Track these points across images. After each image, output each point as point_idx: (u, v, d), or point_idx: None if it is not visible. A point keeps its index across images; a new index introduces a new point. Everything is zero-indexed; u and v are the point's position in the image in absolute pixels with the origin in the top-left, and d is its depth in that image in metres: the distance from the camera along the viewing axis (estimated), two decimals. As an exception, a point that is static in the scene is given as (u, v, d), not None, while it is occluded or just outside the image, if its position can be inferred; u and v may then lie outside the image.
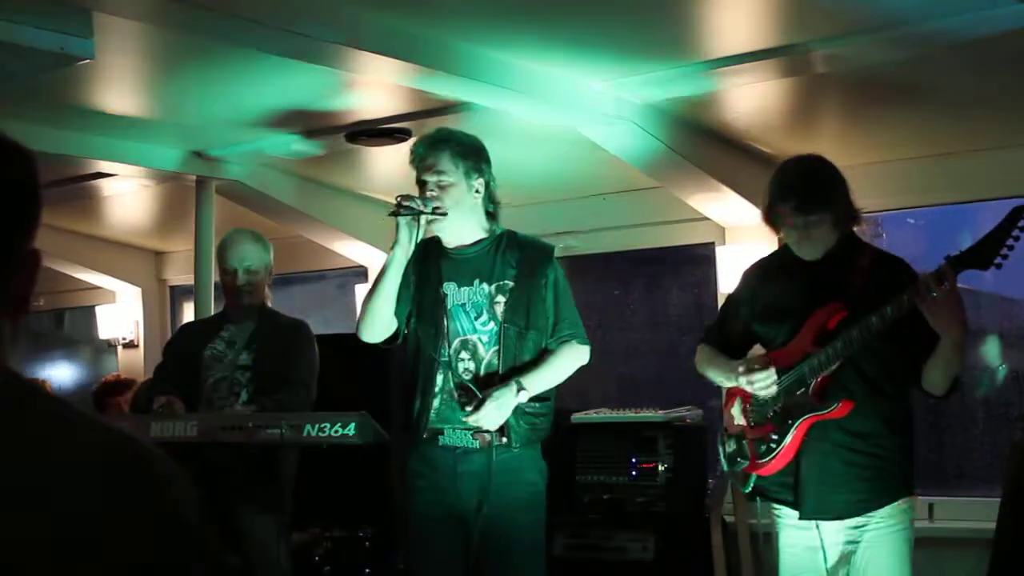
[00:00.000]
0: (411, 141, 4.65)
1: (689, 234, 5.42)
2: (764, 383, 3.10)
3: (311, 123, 4.67)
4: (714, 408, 5.32)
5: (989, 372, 4.79)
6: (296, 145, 4.91)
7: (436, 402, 3.28)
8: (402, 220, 3.22)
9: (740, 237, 5.09)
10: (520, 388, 3.20)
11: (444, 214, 3.24)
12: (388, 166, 5.40)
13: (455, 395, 3.26)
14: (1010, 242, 2.77)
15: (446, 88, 3.93)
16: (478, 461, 3.25)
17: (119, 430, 1.04)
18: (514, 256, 3.33)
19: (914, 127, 4.46)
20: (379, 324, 3.32)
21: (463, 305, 3.30)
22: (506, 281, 3.29)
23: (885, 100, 4.22)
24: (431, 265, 3.37)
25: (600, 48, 3.77)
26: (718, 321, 3.49)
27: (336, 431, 3.47)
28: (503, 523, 3.23)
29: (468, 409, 3.21)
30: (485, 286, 3.30)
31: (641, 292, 6.06)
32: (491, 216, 3.37)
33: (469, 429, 3.24)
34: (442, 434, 3.28)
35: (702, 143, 4.60)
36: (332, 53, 3.50)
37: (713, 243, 5.26)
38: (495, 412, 3.18)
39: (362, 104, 4.41)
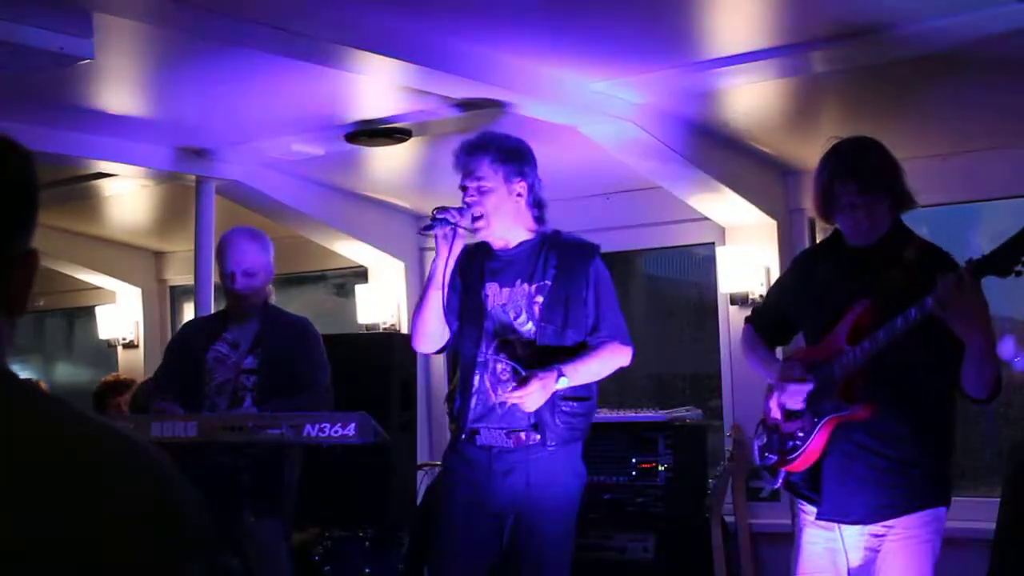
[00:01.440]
0: (411, 140, 4.69)
1: (689, 234, 5.43)
2: (793, 398, 3.07)
3: (311, 123, 4.67)
4: (714, 408, 5.33)
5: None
6: (296, 145, 4.91)
7: (473, 401, 3.30)
8: (438, 232, 3.23)
9: (740, 237, 5.09)
10: (560, 375, 3.19)
11: (479, 218, 3.25)
12: (388, 166, 5.40)
13: (499, 373, 3.27)
14: None
15: (446, 88, 3.93)
16: (513, 460, 3.26)
17: (119, 430, 1.04)
18: (555, 255, 3.33)
19: (914, 127, 4.46)
20: (431, 335, 3.36)
21: (504, 305, 3.32)
22: (546, 281, 3.30)
23: (885, 100, 4.22)
24: (476, 267, 3.39)
25: (600, 48, 3.77)
26: (763, 305, 3.47)
27: (336, 431, 3.47)
28: (534, 523, 3.25)
29: (514, 386, 3.19)
30: (526, 286, 3.31)
31: (641, 292, 6.06)
32: (537, 217, 3.37)
33: (503, 429, 3.26)
34: (479, 434, 3.30)
35: (702, 143, 4.60)
36: (332, 53, 3.50)
37: (713, 243, 5.27)
38: (539, 392, 3.16)
39: (362, 104, 4.41)
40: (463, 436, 3.32)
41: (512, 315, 3.31)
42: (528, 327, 3.28)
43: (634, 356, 3.43)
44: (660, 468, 4.77)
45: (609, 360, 3.34)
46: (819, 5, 3.40)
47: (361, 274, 6.41)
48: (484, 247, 3.40)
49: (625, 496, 4.80)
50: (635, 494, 4.79)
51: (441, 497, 3.45)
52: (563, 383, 3.20)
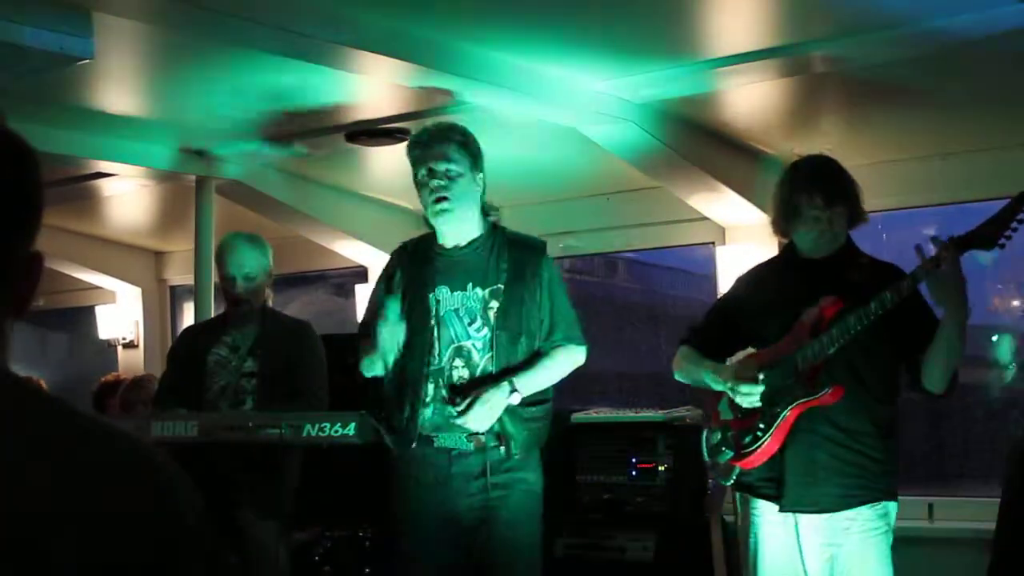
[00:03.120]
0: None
1: (689, 234, 5.42)
2: (748, 398, 3.10)
3: (311, 123, 4.67)
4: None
5: (999, 370, 4.79)
6: (296, 145, 4.91)
7: (428, 411, 3.22)
8: (382, 327, 3.18)
9: (740, 237, 5.09)
10: (513, 389, 3.15)
11: (445, 200, 3.20)
12: (388, 166, 5.40)
13: (445, 399, 3.20)
14: (1014, 225, 2.79)
15: (446, 88, 3.92)
16: (473, 463, 3.20)
17: (119, 430, 1.04)
18: (506, 256, 3.26)
19: (914, 127, 4.46)
20: (379, 366, 3.30)
21: (456, 310, 3.23)
22: (499, 285, 3.22)
23: (885, 100, 4.22)
24: (423, 269, 3.31)
25: (600, 48, 3.77)
26: (704, 323, 3.46)
27: (336, 431, 3.47)
28: (500, 528, 3.20)
29: (458, 411, 3.14)
30: (479, 290, 3.23)
31: (641, 292, 6.07)
32: (485, 214, 3.33)
33: (464, 431, 3.20)
34: (436, 438, 3.23)
35: (702, 143, 4.60)
36: (332, 53, 3.50)
37: (713, 243, 5.27)
38: (485, 413, 3.13)
39: (362, 104, 4.41)
40: (419, 438, 3.23)
41: (467, 321, 3.23)
42: (484, 333, 3.21)
43: (588, 354, 3.37)
44: (660, 468, 4.77)
45: (563, 364, 3.30)
46: (819, 5, 3.40)
47: (361, 274, 6.41)
48: (431, 248, 3.33)
49: (625, 496, 4.80)
50: (635, 494, 4.79)
51: (399, 503, 3.36)
52: (516, 398, 3.16)
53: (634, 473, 4.80)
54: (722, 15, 3.62)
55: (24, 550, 0.93)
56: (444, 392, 3.21)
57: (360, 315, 6.16)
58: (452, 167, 3.20)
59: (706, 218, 5.12)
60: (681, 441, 4.81)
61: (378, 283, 3.47)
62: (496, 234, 3.32)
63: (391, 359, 3.21)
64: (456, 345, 3.22)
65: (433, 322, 3.23)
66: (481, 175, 3.28)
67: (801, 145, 4.58)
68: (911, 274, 2.87)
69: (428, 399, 3.23)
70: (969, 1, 3.30)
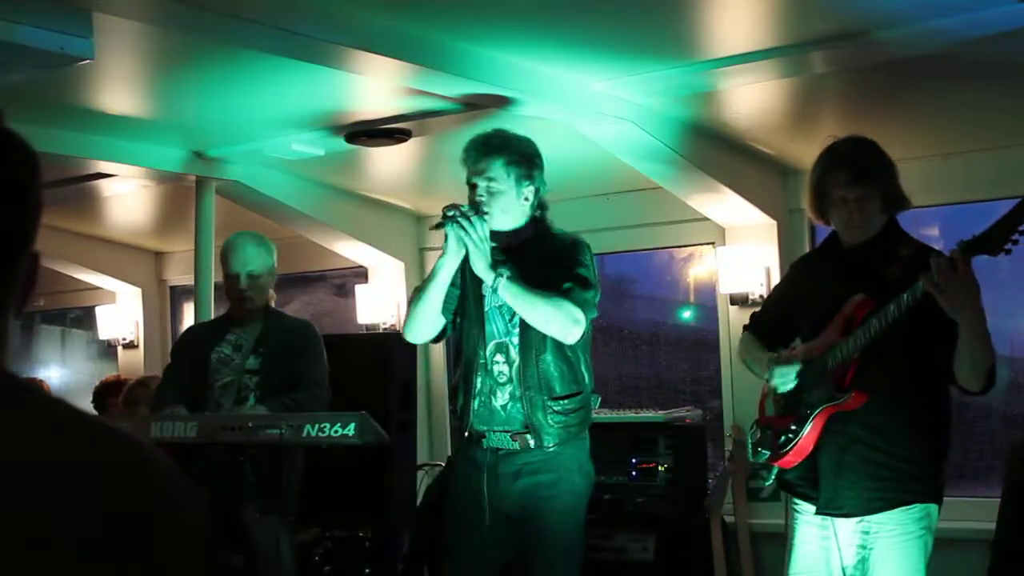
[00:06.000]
0: (411, 140, 4.68)
1: (689, 234, 5.43)
2: (782, 378, 3.08)
3: (311, 123, 4.67)
4: (714, 408, 5.33)
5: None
6: (296, 145, 4.91)
7: (476, 404, 3.29)
8: (450, 230, 3.20)
9: (740, 237, 5.09)
10: (498, 275, 3.16)
11: (485, 215, 3.22)
12: (388, 166, 5.41)
13: (497, 376, 3.28)
14: (1022, 228, 2.67)
15: (446, 88, 3.93)
16: (519, 462, 3.26)
17: (119, 430, 1.04)
18: (543, 254, 3.31)
19: (914, 127, 4.46)
20: (425, 326, 3.36)
21: (500, 307, 3.29)
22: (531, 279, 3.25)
23: (885, 100, 4.22)
24: None
25: (600, 48, 3.77)
26: (761, 310, 3.47)
27: (336, 431, 3.47)
28: (542, 524, 3.25)
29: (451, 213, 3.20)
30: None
31: (641, 292, 6.07)
32: (538, 219, 3.34)
33: (508, 431, 3.26)
34: (485, 437, 3.29)
35: (702, 143, 4.60)
36: (332, 53, 3.50)
37: (713, 243, 5.27)
38: (463, 228, 3.17)
39: (362, 104, 4.41)
40: (468, 437, 3.31)
41: (507, 317, 3.29)
42: (519, 329, 3.26)
43: (582, 335, 3.25)
44: (660, 468, 4.77)
45: (555, 309, 3.17)
46: (819, 5, 3.40)
47: (361, 274, 6.41)
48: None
49: (625, 496, 4.80)
50: (635, 494, 4.79)
51: (449, 500, 3.46)
52: (491, 279, 3.16)
53: (634, 473, 4.80)
54: (722, 15, 3.62)
55: (24, 550, 0.93)
56: (488, 386, 3.28)
57: (360, 316, 6.21)
58: (493, 184, 3.25)
59: (706, 218, 5.12)
60: (681, 441, 4.82)
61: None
62: (541, 234, 3.35)
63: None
64: (497, 341, 3.30)
65: (483, 318, 3.32)
66: (531, 187, 3.29)
67: (801, 145, 4.61)
68: (924, 275, 2.75)
69: (475, 392, 3.30)
70: (969, 1, 3.30)
